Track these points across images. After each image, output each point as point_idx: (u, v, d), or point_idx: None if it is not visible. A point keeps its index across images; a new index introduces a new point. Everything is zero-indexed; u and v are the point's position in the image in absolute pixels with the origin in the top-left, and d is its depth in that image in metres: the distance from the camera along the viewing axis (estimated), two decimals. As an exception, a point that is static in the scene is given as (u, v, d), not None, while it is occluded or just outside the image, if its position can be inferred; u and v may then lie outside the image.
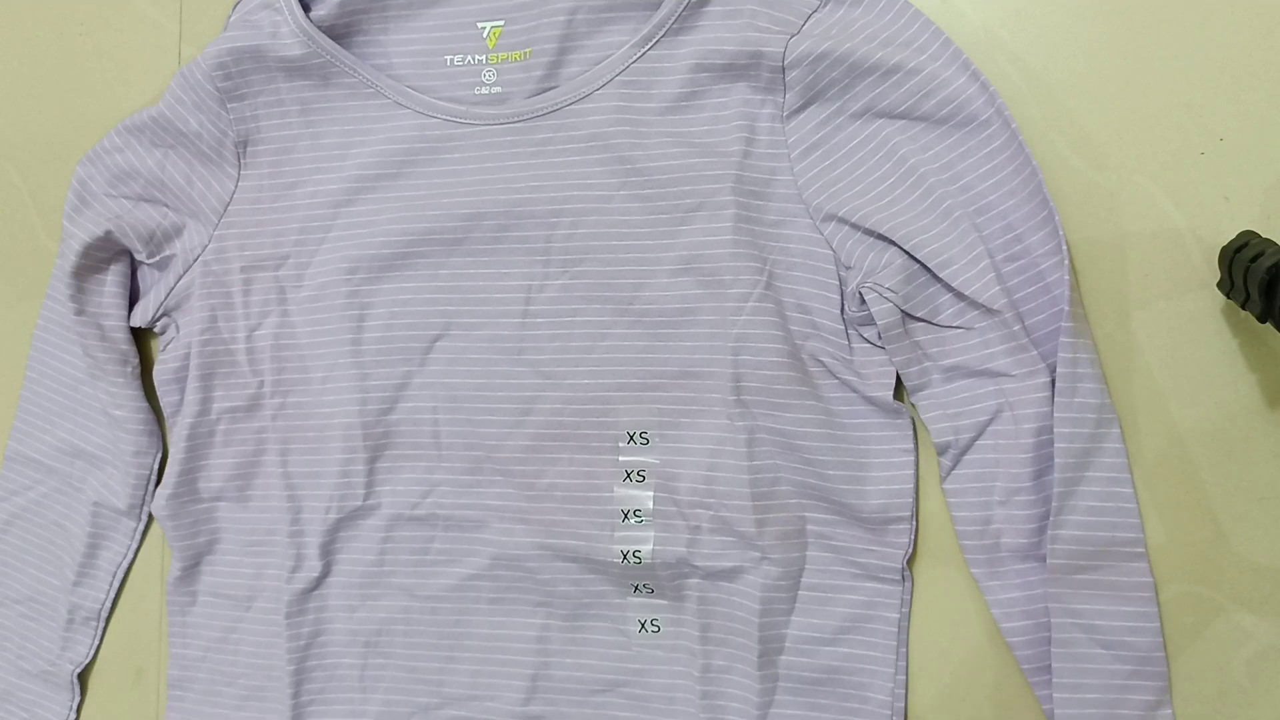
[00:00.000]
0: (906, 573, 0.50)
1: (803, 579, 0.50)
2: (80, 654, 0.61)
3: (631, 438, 0.52)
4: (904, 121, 0.48)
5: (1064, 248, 0.45)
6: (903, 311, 0.48)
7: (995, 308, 0.47)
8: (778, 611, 0.50)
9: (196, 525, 0.58)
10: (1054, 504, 0.45)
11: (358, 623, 0.56)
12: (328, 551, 0.56)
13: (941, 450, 0.49)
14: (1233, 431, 0.47)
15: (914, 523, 0.49)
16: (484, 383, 0.54)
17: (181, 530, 0.58)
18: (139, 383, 0.60)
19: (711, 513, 0.51)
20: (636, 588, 0.52)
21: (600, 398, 0.52)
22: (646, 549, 0.51)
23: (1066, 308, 0.45)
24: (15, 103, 0.66)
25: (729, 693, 0.51)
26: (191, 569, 0.59)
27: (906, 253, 0.48)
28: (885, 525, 0.49)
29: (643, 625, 0.52)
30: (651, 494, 0.52)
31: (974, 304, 0.47)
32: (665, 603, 0.52)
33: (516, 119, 0.53)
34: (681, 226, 0.51)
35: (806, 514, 0.50)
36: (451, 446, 0.55)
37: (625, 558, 0.51)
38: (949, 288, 0.48)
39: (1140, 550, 0.46)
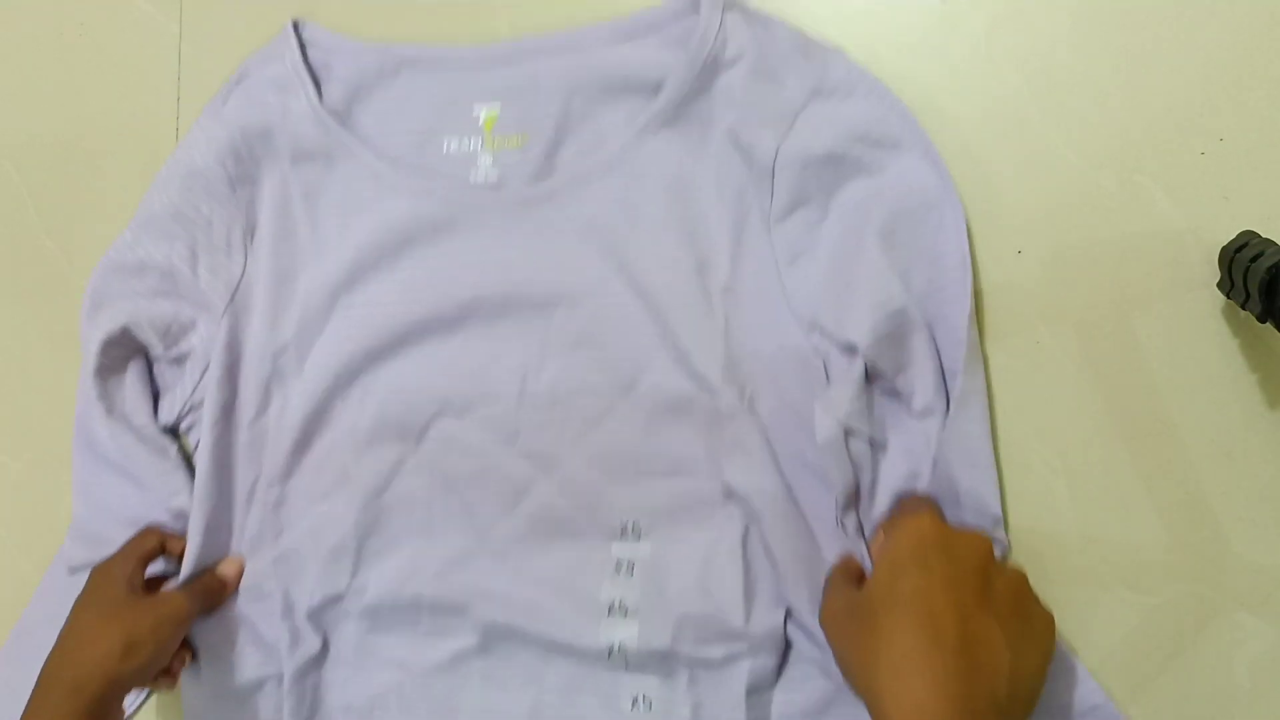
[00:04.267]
0: None
1: (789, 655, 0.50)
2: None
3: (625, 530, 0.52)
4: (880, 222, 0.48)
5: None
6: (844, 429, 0.48)
7: (935, 411, 0.47)
8: (764, 688, 0.50)
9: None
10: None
11: (351, 695, 0.55)
12: (320, 626, 0.56)
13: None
14: (1233, 431, 0.47)
15: None
16: (478, 467, 0.54)
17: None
18: (183, 464, 0.59)
19: (700, 609, 0.50)
20: (627, 666, 0.51)
21: (594, 486, 0.52)
22: (632, 644, 0.50)
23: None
24: (15, 103, 0.66)
25: None
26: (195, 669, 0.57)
27: (866, 368, 0.48)
28: None
29: (635, 701, 0.51)
30: (640, 588, 0.51)
31: (916, 411, 0.48)
32: (656, 680, 0.51)
33: (514, 204, 0.53)
34: (676, 323, 0.51)
35: (793, 606, 0.49)
36: (443, 530, 0.54)
37: (610, 652, 0.51)
38: (899, 396, 0.48)
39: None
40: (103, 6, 0.64)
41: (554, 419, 0.53)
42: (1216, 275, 0.47)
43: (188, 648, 0.56)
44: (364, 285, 0.55)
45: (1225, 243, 0.46)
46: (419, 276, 0.54)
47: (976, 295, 0.50)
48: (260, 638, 0.56)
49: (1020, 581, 0.42)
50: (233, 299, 0.57)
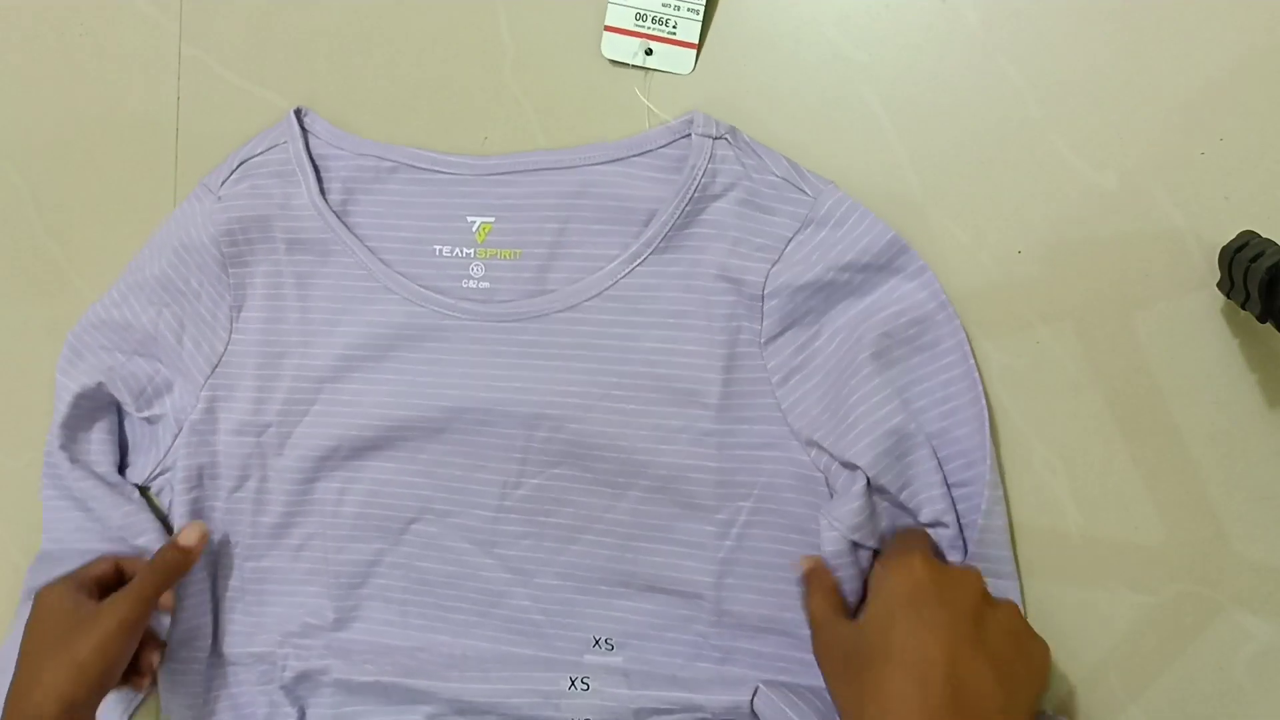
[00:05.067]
0: None
1: None
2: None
3: (598, 643, 0.54)
4: (874, 341, 0.49)
5: (997, 479, 0.48)
6: (851, 541, 0.48)
7: (946, 522, 0.48)
8: None
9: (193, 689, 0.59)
10: None
11: None
12: (296, 698, 0.57)
13: None
14: (1233, 431, 0.47)
15: None
16: (454, 570, 0.55)
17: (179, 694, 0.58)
18: (147, 506, 0.59)
19: (666, 693, 0.52)
20: None
21: (567, 600, 0.54)
22: (595, 713, 0.53)
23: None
24: (15, 103, 0.66)
25: None
26: None
27: (868, 481, 0.48)
28: None
29: None
30: (608, 684, 0.53)
31: (923, 524, 0.48)
32: None
33: (504, 319, 0.54)
34: (663, 446, 0.52)
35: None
36: (418, 627, 0.56)
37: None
38: (905, 509, 0.49)
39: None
40: (103, 6, 0.64)
41: (530, 531, 0.54)
42: (1216, 275, 0.47)
43: (156, 647, 0.56)
44: (350, 380, 0.56)
45: (1225, 243, 0.46)
46: (405, 379, 0.55)
47: (976, 295, 0.50)
48: (236, 705, 0.58)
49: (1013, 615, 0.43)
50: (214, 372, 0.58)
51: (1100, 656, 0.48)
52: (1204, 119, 0.48)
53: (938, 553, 0.47)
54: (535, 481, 0.54)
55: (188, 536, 0.56)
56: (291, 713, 0.57)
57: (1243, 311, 0.46)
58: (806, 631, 0.47)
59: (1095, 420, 0.48)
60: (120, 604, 0.52)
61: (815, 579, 0.48)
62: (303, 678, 0.57)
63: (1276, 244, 0.43)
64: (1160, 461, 0.48)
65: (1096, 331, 0.48)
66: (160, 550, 0.55)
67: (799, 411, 0.50)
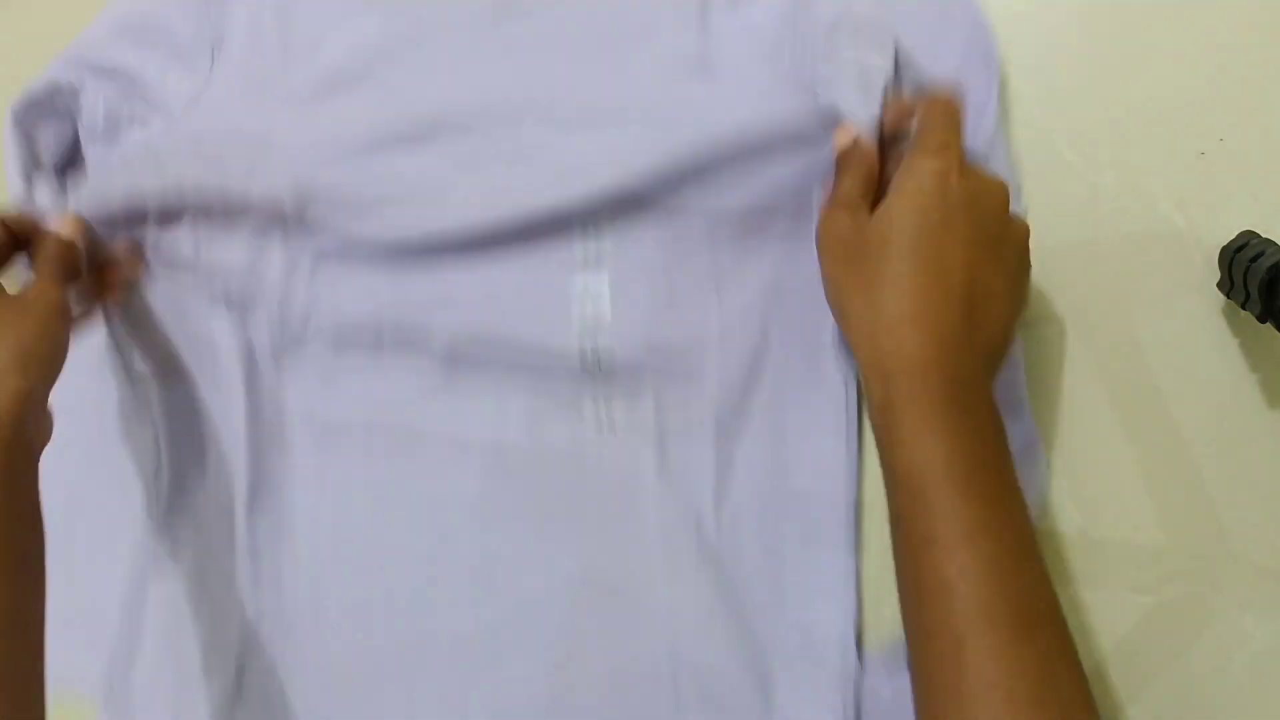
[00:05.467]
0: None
1: (760, 379, 0.50)
2: None
3: (584, 227, 0.51)
4: None
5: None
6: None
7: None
8: (735, 394, 0.50)
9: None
10: None
11: (314, 410, 0.54)
12: (280, 367, 0.55)
13: None
14: (1233, 431, 0.47)
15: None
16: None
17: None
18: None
19: (668, 332, 0.50)
20: (599, 375, 0.51)
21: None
22: (605, 353, 0.51)
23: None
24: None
25: (686, 481, 0.50)
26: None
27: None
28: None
29: (598, 420, 0.52)
30: (610, 285, 0.51)
31: None
32: (623, 402, 0.51)
33: (485, 14, 0.54)
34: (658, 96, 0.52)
35: (766, 311, 0.50)
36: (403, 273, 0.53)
37: (583, 358, 0.51)
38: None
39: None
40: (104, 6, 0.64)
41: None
42: (1216, 275, 0.47)
43: (140, 259, 0.55)
44: (333, 99, 0.55)
45: (1225, 243, 0.46)
46: (389, 90, 0.54)
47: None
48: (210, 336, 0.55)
49: (1026, 233, 0.43)
50: (193, 104, 0.57)
51: (1100, 656, 0.48)
52: (1204, 119, 0.48)
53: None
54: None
55: (62, 225, 0.52)
56: (272, 369, 0.55)
57: (1243, 311, 0.46)
58: None
59: (1095, 420, 0.48)
60: (46, 288, 0.49)
61: (857, 159, 0.44)
62: (286, 331, 0.54)
63: (1276, 244, 0.43)
64: (1160, 461, 0.48)
65: (1096, 331, 0.48)
66: (43, 241, 0.51)
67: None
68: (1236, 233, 0.46)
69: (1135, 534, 0.48)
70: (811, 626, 0.49)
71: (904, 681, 0.40)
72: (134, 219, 0.55)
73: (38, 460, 0.46)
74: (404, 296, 0.53)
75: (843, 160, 0.44)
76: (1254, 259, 0.43)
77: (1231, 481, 0.47)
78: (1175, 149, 0.48)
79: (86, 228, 0.53)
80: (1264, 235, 0.45)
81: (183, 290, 0.56)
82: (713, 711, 0.49)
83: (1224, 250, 0.46)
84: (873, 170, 0.44)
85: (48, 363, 0.47)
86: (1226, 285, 0.46)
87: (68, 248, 0.52)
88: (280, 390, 0.55)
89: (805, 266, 0.47)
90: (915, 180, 0.41)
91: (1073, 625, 0.48)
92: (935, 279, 0.39)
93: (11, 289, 0.49)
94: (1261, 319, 0.43)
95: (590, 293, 0.51)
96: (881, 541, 0.46)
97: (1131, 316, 0.48)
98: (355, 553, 0.54)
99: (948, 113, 0.42)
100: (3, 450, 0.43)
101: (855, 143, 0.44)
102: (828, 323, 0.48)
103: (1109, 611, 0.48)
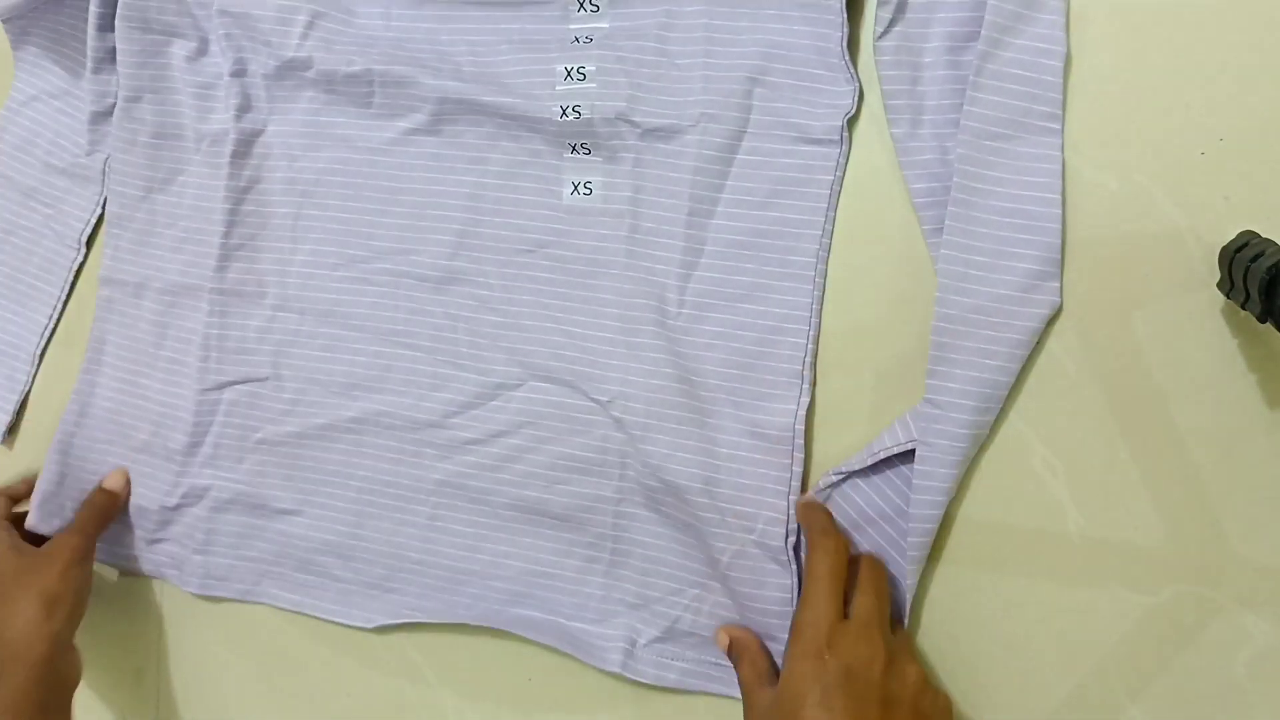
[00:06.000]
0: (845, 134, 0.50)
1: (741, 142, 0.50)
2: (110, 144, 0.61)
3: (582, 4, 0.52)
4: None
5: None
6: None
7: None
8: (711, 174, 0.50)
9: (144, 57, 0.58)
10: (975, 63, 0.45)
11: (297, 171, 0.57)
12: (273, 97, 0.57)
13: (881, 2, 0.48)
14: (1233, 431, 0.47)
15: (857, 83, 0.50)
16: None
17: (130, 57, 0.58)
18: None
19: (656, 71, 0.51)
20: (573, 147, 0.52)
21: None
22: (585, 106, 0.51)
23: None
24: (15, 103, 0.66)
25: (654, 254, 0.51)
26: (134, 101, 0.59)
27: None
28: (835, 83, 0.49)
29: (575, 187, 0.53)
30: (597, 54, 0.52)
31: None
32: (600, 162, 0.52)
33: None
34: None
35: (754, 75, 0.50)
36: (400, 18, 0.54)
37: (564, 112, 0.51)
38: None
39: (1055, 127, 0.46)
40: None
41: None
42: (1216, 275, 0.47)
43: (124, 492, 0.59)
44: None
45: (1225, 243, 0.46)
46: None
47: (976, 295, 0.49)
48: (211, 96, 0.58)
49: (919, 681, 0.44)
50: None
51: (1100, 656, 0.48)
52: (1204, 119, 0.48)
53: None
54: None
55: (113, 482, 0.58)
56: (265, 109, 0.57)
57: (1243, 311, 0.45)
58: None
59: (1095, 420, 0.48)
60: (69, 537, 0.54)
61: (741, 649, 0.49)
62: (276, 76, 0.57)
63: (1276, 244, 0.43)
64: (1160, 461, 0.48)
65: (1096, 331, 0.48)
66: (91, 503, 0.57)
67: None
68: (1236, 233, 0.46)
69: (1135, 534, 0.48)
70: (762, 423, 0.50)
71: (858, 486, 0.46)
72: None
73: (71, 696, 0.52)
74: (399, 54, 0.54)
75: (734, 651, 0.49)
76: (1254, 259, 0.43)
77: (1231, 481, 0.47)
78: (1175, 149, 0.48)
79: (128, 481, 0.58)
80: (1264, 235, 0.45)
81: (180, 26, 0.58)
82: (654, 499, 0.51)
83: (1224, 250, 0.46)
84: (759, 652, 0.49)
85: (72, 606, 0.52)
86: (1226, 285, 0.46)
87: (112, 501, 0.57)
88: (265, 134, 0.57)
89: (794, 51, 0.49)
90: (794, 665, 0.44)
91: (1073, 625, 0.48)
92: None
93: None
94: (1261, 319, 0.43)
95: (576, 63, 0.52)
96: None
97: (1131, 316, 0.48)
98: (323, 309, 0.57)
99: (834, 573, 0.46)
100: (38, 688, 0.49)
101: (739, 635, 0.49)
102: (810, 110, 0.49)
103: (1109, 611, 0.48)
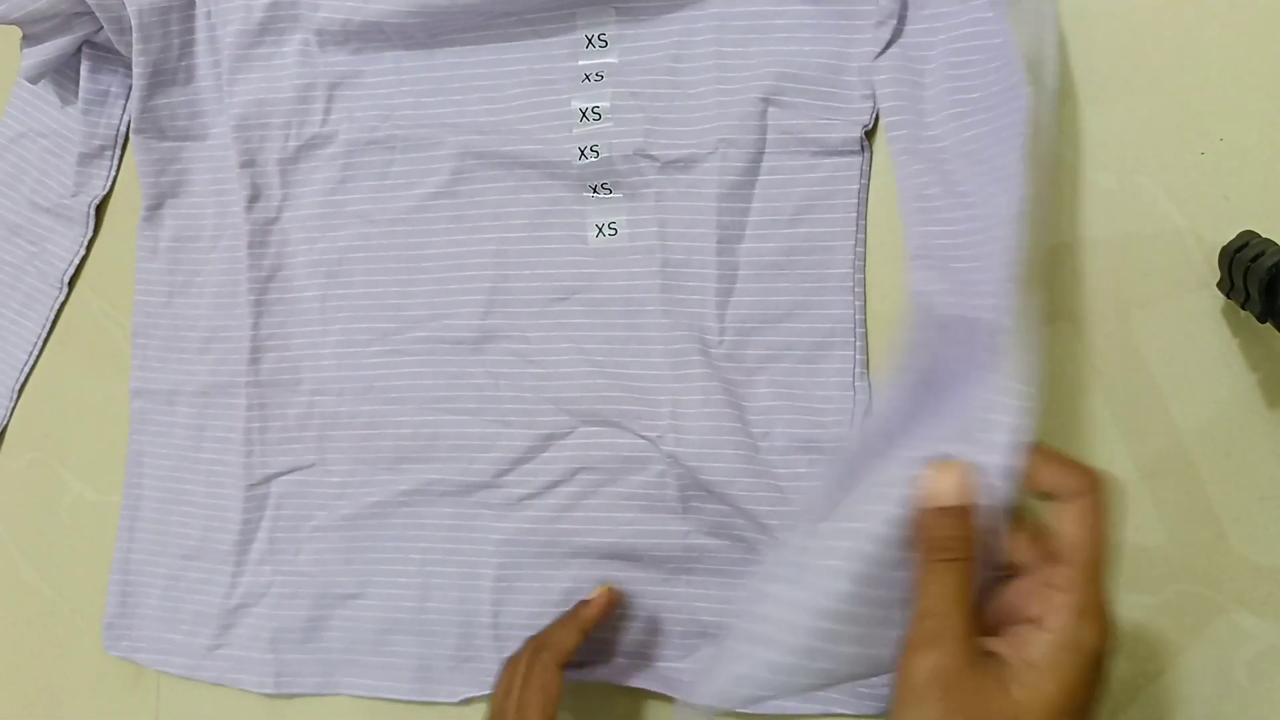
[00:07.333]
0: (865, 143, 0.50)
1: (762, 163, 0.50)
2: (97, 187, 0.62)
3: (590, 41, 0.52)
4: None
5: None
6: None
7: None
8: (736, 198, 0.50)
9: (163, 164, 0.59)
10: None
11: (319, 253, 0.57)
12: (287, 183, 0.57)
13: (880, 22, 0.49)
14: (1233, 431, 0.47)
15: (872, 96, 0.50)
16: None
17: (149, 166, 0.58)
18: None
19: (670, 103, 0.51)
20: (595, 188, 0.52)
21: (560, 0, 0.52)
22: (603, 142, 0.51)
23: None
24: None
25: (688, 285, 0.51)
26: (156, 209, 0.59)
27: None
28: (849, 100, 0.49)
29: (600, 229, 0.52)
30: (610, 91, 0.52)
31: None
32: (622, 200, 0.52)
33: None
34: None
35: (767, 96, 0.50)
36: (412, 70, 0.55)
37: (583, 154, 0.51)
38: None
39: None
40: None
41: None
42: (1216, 275, 0.47)
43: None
44: None
45: (1225, 243, 0.46)
46: None
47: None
48: (225, 190, 0.58)
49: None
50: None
51: (1100, 656, 0.48)
52: (1204, 119, 0.48)
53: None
54: None
55: (599, 599, 0.52)
56: (277, 195, 0.57)
57: (1243, 311, 0.45)
58: None
59: (1095, 420, 0.48)
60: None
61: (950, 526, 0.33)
62: (292, 159, 0.57)
63: (1276, 244, 0.43)
64: (1160, 461, 0.48)
65: (1096, 331, 0.48)
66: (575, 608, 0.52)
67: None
68: (1236, 233, 0.46)
69: (1135, 534, 0.48)
70: (818, 438, 0.49)
71: None
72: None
73: None
74: (420, 115, 0.54)
75: (932, 539, 0.31)
76: (1254, 259, 0.43)
77: (1231, 481, 0.47)
78: (1175, 149, 0.48)
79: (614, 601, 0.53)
80: (1264, 235, 0.45)
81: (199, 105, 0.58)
82: (721, 525, 0.50)
83: (1224, 250, 0.46)
84: (990, 550, 0.31)
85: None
86: (1226, 285, 0.46)
87: (597, 610, 0.51)
88: (280, 220, 0.57)
89: (806, 70, 0.49)
90: (1076, 660, 0.30)
91: (1073, 625, 0.48)
92: None
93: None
94: (1261, 319, 0.43)
95: (590, 103, 0.52)
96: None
97: (1131, 316, 0.48)
98: (361, 387, 0.56)
99: (1096, 560, 0.32)
100: None
101: (957, 486, 0.31)
102: (827, 123, 0.49)
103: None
